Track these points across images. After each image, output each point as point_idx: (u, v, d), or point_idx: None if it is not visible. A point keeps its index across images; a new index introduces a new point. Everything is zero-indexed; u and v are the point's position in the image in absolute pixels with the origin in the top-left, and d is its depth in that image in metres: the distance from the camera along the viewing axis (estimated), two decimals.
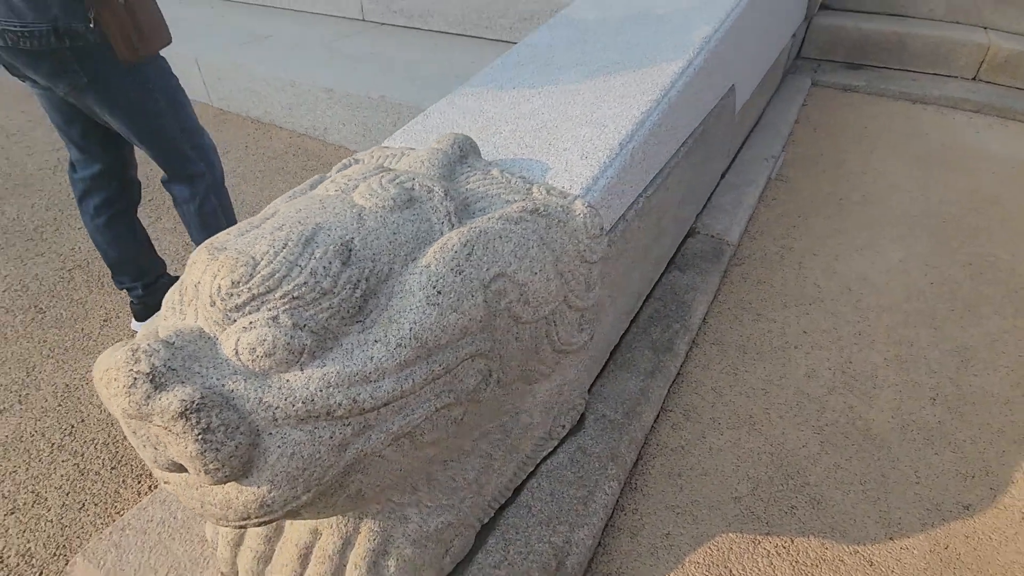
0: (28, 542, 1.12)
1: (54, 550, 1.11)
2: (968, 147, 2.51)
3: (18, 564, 1.09)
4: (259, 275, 0.62)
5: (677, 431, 1.33)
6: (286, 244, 0.64)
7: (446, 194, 0.81)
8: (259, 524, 0.65)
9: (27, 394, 1.44)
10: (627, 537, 1.13)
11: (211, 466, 0.57)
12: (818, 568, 1.08)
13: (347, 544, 0.84)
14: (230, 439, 0.57)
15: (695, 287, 1.62)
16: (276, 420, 0.60)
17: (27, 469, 1.26)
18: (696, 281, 1.64)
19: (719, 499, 1.19)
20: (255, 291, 0.61)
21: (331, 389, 0.62)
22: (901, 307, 1.68)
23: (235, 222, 1.55)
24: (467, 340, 0.74)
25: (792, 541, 1.13)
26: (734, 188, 2.09)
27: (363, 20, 3.38)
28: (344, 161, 0.97)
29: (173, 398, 0.55)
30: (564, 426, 1.15)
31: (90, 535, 1.09)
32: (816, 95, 3.05)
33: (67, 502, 1.20)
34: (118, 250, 1.50)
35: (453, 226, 0.79)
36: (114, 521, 1.07)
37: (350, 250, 0.68)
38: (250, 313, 0.61)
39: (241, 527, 0.65)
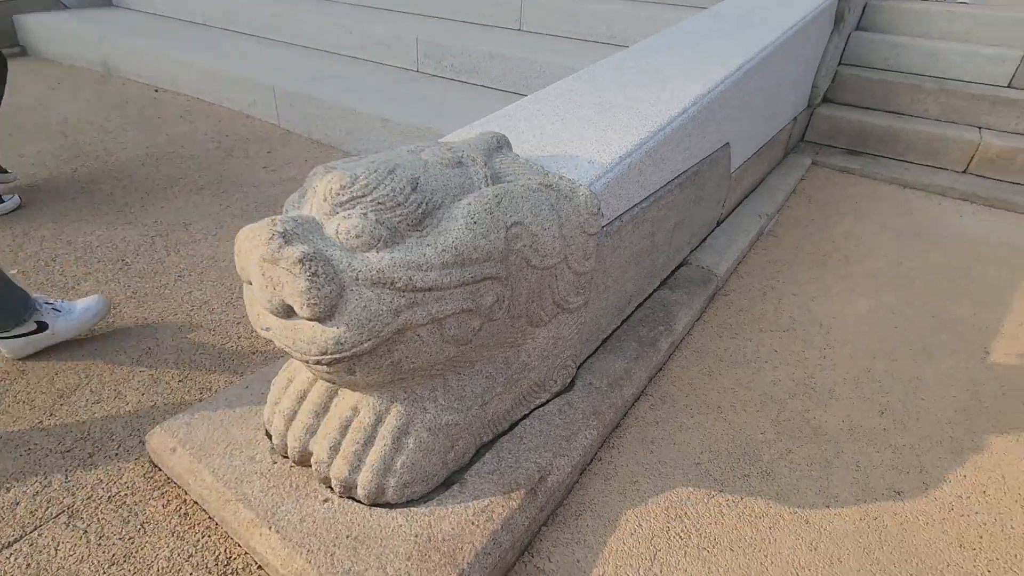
0: (111, 425, 1.37)
1: (131, 431, 1.36)
2: (948, 227, 2.78)
3: (101, 438, 1.33)
4: (357, 184, 0.90)
5: (654, 410, 1.55)
6: (376, 170, 0.94)
7: (485, 163, 1.11)
8: (331, 362, 0.90)
9: (112, 323, 1.72)
10: (601, 480, 1.34)
11: (312, 301, 0.84)
12: (761, 520, 1.27)
13: (379, 420, 1.08)
14: (328, 283, 0.84)
15: (682, 302, 1.87)
16: (357, 280, 0.87)
17: (111, 375, 1.52)
18: (683, 298, 1.90)
19: (683, 462, 1.40)
20: (354, 194, 0.90)
21: (396, 268, 0.89)
22: (864, 343, 1.91)
23: None
24: (490, 264, 1.01)
25: (741, 499, 1.32)
26: (727, 234, 2.38)
27: (417, 71, 3.87)
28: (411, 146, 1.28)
29: (296, 249, 0.83)
30: (556, 381, 1.39)
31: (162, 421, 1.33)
32: (815, 173, 3.39)
33: (142, 400, 1.45)
34: None
35: (488, 185, 1.08)
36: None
37: (417, 181, 0.97)
38: (349, 209, 0.90)
39: (318, 362, 0.90)
